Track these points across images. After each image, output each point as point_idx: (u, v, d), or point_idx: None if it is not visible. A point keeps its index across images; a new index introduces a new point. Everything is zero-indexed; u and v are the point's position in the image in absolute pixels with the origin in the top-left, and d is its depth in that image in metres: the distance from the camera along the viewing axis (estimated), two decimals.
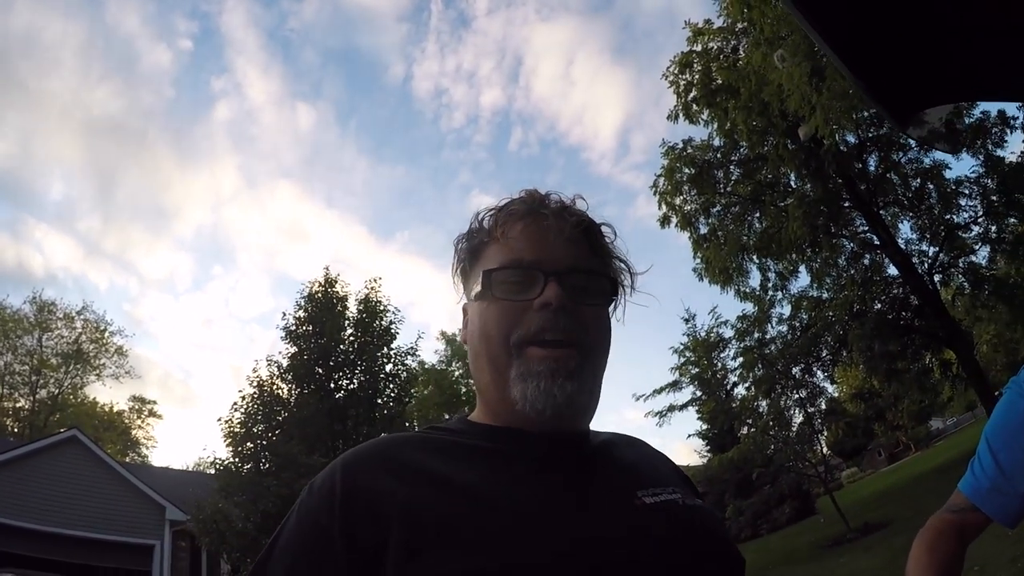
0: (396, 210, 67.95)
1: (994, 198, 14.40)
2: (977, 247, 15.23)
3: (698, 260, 15.25)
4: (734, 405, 15.08)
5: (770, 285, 15.62)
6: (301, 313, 13.87)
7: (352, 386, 13.83)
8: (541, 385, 0.75)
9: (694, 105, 14.29)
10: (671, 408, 14.62)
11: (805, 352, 15.07)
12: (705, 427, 20.60)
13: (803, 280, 16.28)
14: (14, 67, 45.14)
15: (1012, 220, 14.46)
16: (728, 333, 14.98)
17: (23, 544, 14.04)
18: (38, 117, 47.64)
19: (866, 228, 15.34)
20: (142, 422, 37.83)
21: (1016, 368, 1.34)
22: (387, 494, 0.68)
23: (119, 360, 33.49)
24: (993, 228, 14.86)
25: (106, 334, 33.34)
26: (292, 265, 57.28)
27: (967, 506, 1.24)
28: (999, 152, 14.26)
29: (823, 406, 16.65)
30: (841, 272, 15.92)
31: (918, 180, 15.34)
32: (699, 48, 14.39)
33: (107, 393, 52.19)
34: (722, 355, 15.06)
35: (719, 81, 13.76)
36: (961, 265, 15.56)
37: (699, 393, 14.97)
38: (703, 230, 15.32)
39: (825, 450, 18.93)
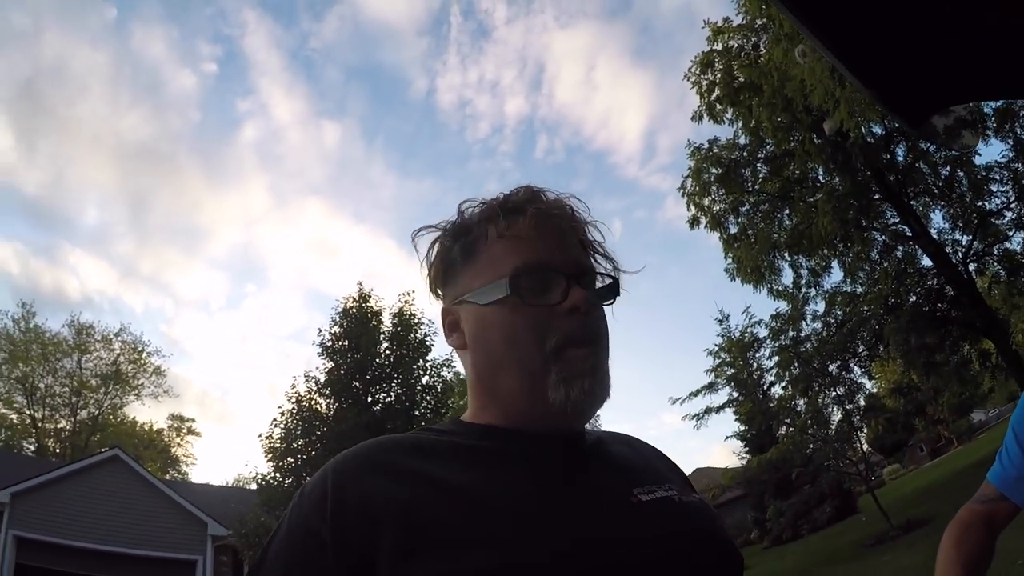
0: (425, 223, 68.12)
1: None
2: (1011, 233, 14.86)
3: (729, 260, 15.13)
4: (771, 405, 14.90)
5: (803, 282, 15.42)
6: (337, 329, 14.08)
7: (389, 399, 13.97)
8: (585, 384, 0.76)
9: (717, 104, 14.20)
10: (708, 410, 14.49)
11: (841, 349, 14.82)
12: (743, 428, 20.35)
13: (836, 276, 16.06)
14: (45, 96, 46.51)
15: None
16: (762, 332, 14.83)
17: (69, 562, 14.39)
18: (70, 144, 48.96)
19: (897, 220, 15.07)
20: (181, 440, 38.51)
21: None
22: (379, 497, 0.68)
23: (157, 380, 34.23)
24: None
25: (144, 355, 34.08)
26: (324, 281, 57.99)
27: (996, 496, 1.26)
28: None
29: (861, 403, 16.36)
30: (874, 266, 15.67)
31: (947, 168, 15.05)
32: (719, 47, 14.31)
33: (146, 412, 53.57)
34: (757, 355, 14.89)
35: (741, 79, 13.66)
36: (996, 253, 15.22)
37: (736, 394, 14.80)
38: (733, 230, 15.18)
39: (865, 447, 18.57)
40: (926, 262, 15.10)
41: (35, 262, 51.42)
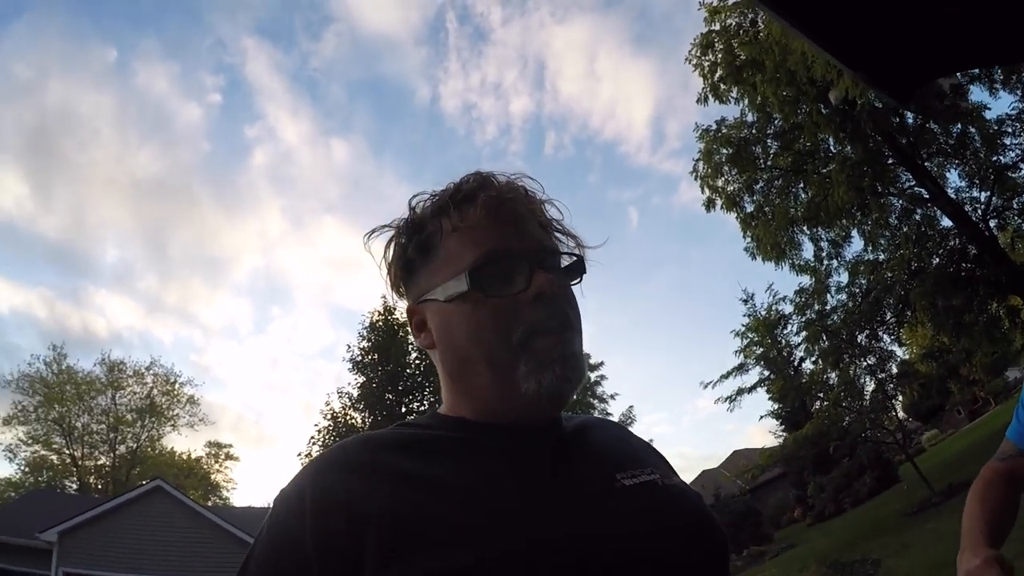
0: None
1: None
2: None
3: (748, 239, 14.97)
4: (803, 381, 14.83)
5: (824, 255, 15.23)
6: (365, 343, 14.20)
7: (422, 408, 14.06)
8: (557, 370, 0.74)
9: (722, 85, 14.09)
10: (740, 391, 14.50)
11: (868, 318, 14.68)
12: (777, 406, 20.26)
13: (857, 245, 15.88)
14: (56, 144, 47.48)
15: None
16: (788, 309, 14.76)
17: None
18: (85, 187, 49.95)
19: (913, 183, 14.85)
20: (220, 466, 39.04)
21: None
22: (358, 497, 0.66)
23: (192, 409, 34.78)
24: None
25: (176, 385, 34.65)
26: (347, 296, 58.38)
27: (1015, 452, 1.28)
28: None
29: (894, 370, 16.25)
30: (894, 231, 15.45)
31: (958, 125, 14.83)
32: (717, 27, 14.20)
33: (184, 442, 54.26)
34: (785, 332, 14.84)
35: (743, 57, 13.56)
36: (1015, 206, 14.94)
37: (767, 373, 14.78)
38: (749, 208, 15.02)
39: (901, 415, 18.37)
40: (946, 223, 14.86)
41: (61, 305, 52.52)
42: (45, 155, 48.33)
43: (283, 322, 65.99)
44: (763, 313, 14.72)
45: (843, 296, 15.28)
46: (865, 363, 14.71)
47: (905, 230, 15.35)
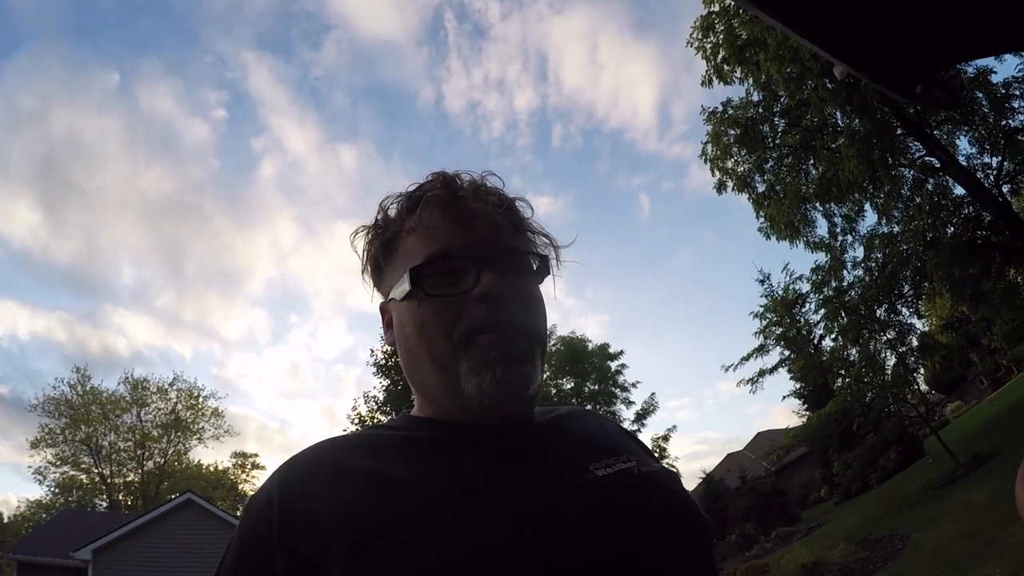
0: None
1: None
2: None
3: (762, 219, 14.90)
4: (823, 359, 14.71)
5: (838, 230, 15.12)
6: (388, 347, 14.23)
7: None
8: (497, 373, 0.73)
9: (725, 66, 13.99)
10: (761, 373, 14.39)
11: (886, 292, 14.54)
12: (799, 386, 20.10)
13: (870, 219, 15.80)
14: (65, 171, 48.23)
15: None
16: (805, 287, 14.66)
17: None
18: (97, 211, 50.68)
19: (923, 152, 14.72)
20: (247, 476, 39.59)
21: None
22: (326, 500, 0.66)
23: (216, 421, 35.26)
24: None
25: (200, 399, 35.11)
26: (364, 300, 58.35)
27: None
28: None
29: (914, 343, 16.10)
30: (907, 203, 15.30)
31: (965, 91, 14.64)
32: (717, 8, 14.12)
33: (210, 454, 55.29)
34: (803, 310, 14.73)
35: (744, 36, 13.45)
36: None
37: (787, 353, 14.66)
38: (761, 188, 14.94)
39: (924, 388, 18.21)
40: (959, 191, 14.67)
41: (81, 328, 53.37)
42: (55, 182, 49.07)
43: (301, 330, 66.77)
44: (780, 293, 14.61)
45: (860, 271, 15.16)
46: (885, 337, 14.57)
47: (918, 201, 15.19)
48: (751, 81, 14.15)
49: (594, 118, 65.39)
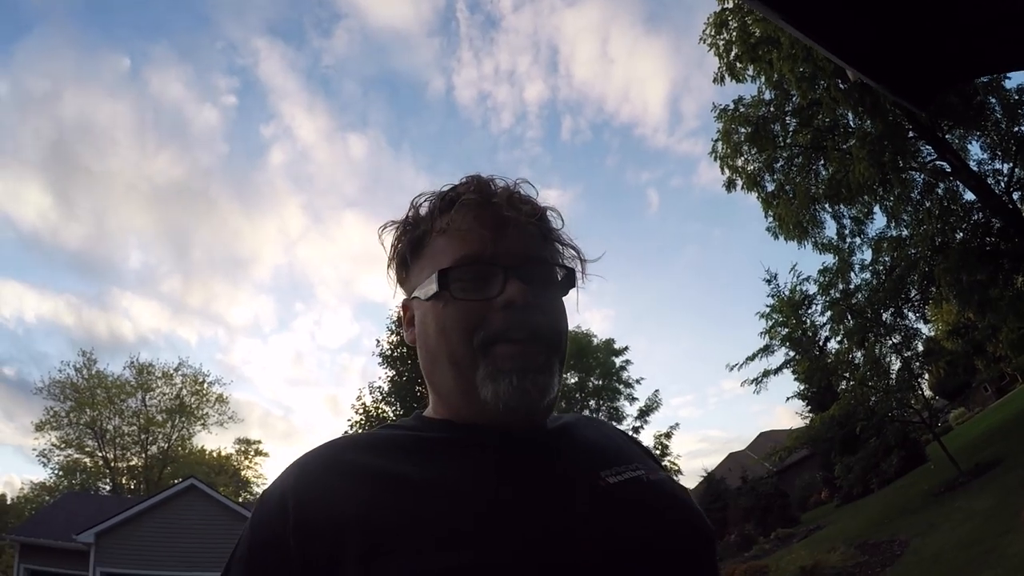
0: None
1: None
2: None
3: (770, 219, 14.86)
4: (828, 361, 14.68)
5: (847, 232, 15.08)
6: (394, 337, 14.32)
7: None
8: (513, 382, 0.73)
9: (737, 63, 13.91)
10: (766, 373, 14.40)
11: (893, 295, 14.51)
12: (803, 387, 20.10)
13: (879, 222, 15.69)
14: (75, 155, 48.39)
15: None
16: (812, 289, 14.62)
17: None
18: (106, 195, 50.83)
19: (934, 156, 14.63)
20: (250, 462, 39.81)
21: None
22: (341, 498, 0.67)
23: (220, 407, 35.43)
24: None
25: (205, 385, 35.27)
26: (370, 290, 58.81)
27: None
28: None
29: (920, 348, 16.05)
30: (916, 207, 15.23)
31: (978, 96, 14.55)
32: (731, 4, 14.03)
33: (213, 440, 55.53)
34: (809, 312, 14.71)
35: (758, 34, 13.37)
36: None
37: (792, 354, 14.65)
38: (770, 187, 14.89)
39: (928, 393, 18.15)
40: (969, 196, 14.61)
41: (88, 311, 53.68)
42: (65, 165, 49.27)
43: (307, 318, 66.99)
44: (787, 293, 14.59)
45: (867, 274, 15.12)
46: (890, 341, 14.54)
47: (928, 205, 15.11)
48: (763, 79, 14.08)
49: (604, 112, 65.17)
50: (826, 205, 14.75)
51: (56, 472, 33.64)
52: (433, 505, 0.66)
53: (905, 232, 15.31)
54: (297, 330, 66.94)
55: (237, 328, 61.83)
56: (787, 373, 14.98)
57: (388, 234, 0.88)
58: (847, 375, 14.65)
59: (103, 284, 56.99)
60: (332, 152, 59.03)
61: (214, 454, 38.30)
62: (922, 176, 15.06)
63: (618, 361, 23.96)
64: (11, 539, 17.64)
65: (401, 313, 0.90)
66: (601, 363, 23.71)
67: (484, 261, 0.78)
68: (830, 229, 15.06)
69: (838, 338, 14.61)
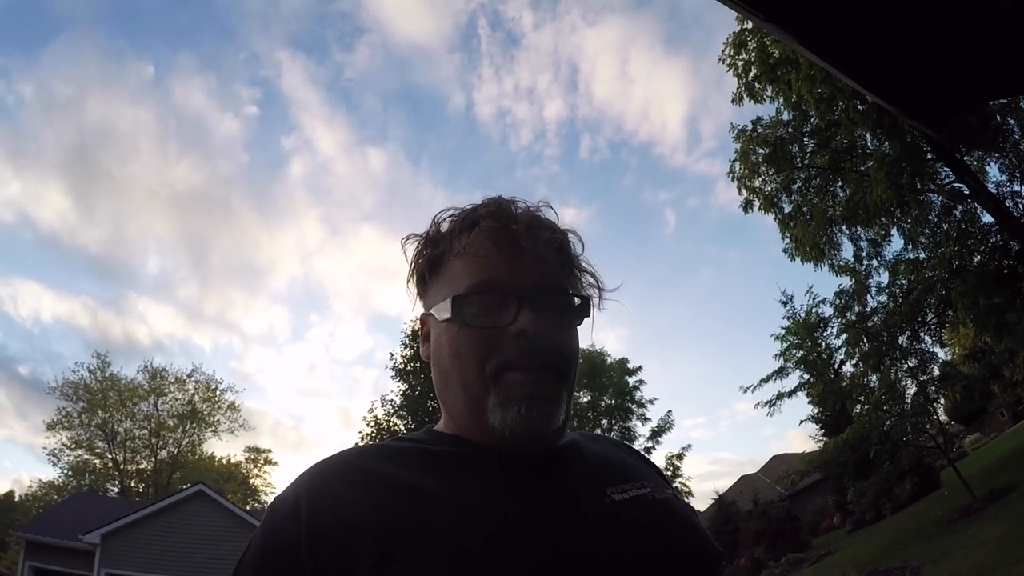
0: None
1: None
2: None
3: (787, 240, 14.71)
4: (843, 384, 14.54)
5: (863, 255, 14.92)
6: (408, 351, 14.39)
7: None
8: (522, 411, 0.74)
9: (756, 84, 13.91)
10: (780, 396, 14.31)
11: (909, 319, 14.35)
12: (817, 411, 19.92)
13: (897, 244, 15.58)
14: (97, 160, 49.07)
15: None
16: (828, 311, 14.50)
17: None
18: (126, 200, 51.35)
19: (953, 178, 14.52)
20: (259, 471, 39.86)
21: None
22: (353, 507, 0.67)
23: (232, 415, 35.58)
24: None
25: (217, 392, 35.39)
26: (386, 303, 58.89)
27: None
28: None
29: (935, 372, 15.86)
30: (934, 229, 15.10)
31: (997, 118, 14.43)
32: (750, 25, 14.04)
33: (224, 447, 55.74)
34: (825, 334, 14.58)
35: (776, 55, 13.38)
36: None
37: (806, 376, 14.53)
38: (787, 209, 14.77)
39: (943, 418, 17.94)
40: (987, 219, 14.46)
41: (104, 314, 54.15)
42: (86, 169, 49.94)
43: (321, 329, 67.06)
44: (803, 316, 14.48)
45: (884, 297, 14.98)
46: (906, 365, 14.38)
47: (945, 227, 14.97)
48: (782, 100, 14.06)
49: (622, 131, 65.09)
50: (843, 227, 14.65)
51: (65, 472, 33.89)
52: (443, 519, 0.66)
53: (922, 255, 15.17)
54: (311, 341, 67.16)
55: (252, 337, 62.17)
56: (801, 396, 14.86)
57: (410, 245, 0.88)
58: (862, 399, 14.50)
59: (120, 288, 57.57)
60: (351, 165, 59.42)
61: (224, 461, 38.33)
62: (940, 198, 14.93)
63: (631, 381, 23.86)
64: (18, 536, 17.75)
65: (419, 326, 0.91)
66: (614, 382, 23.62)
67: (498, 289, 0.78)
68: (847, 251, 14.98)
69: (853, 361, 14.49)
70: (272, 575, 0.67)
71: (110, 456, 33.43)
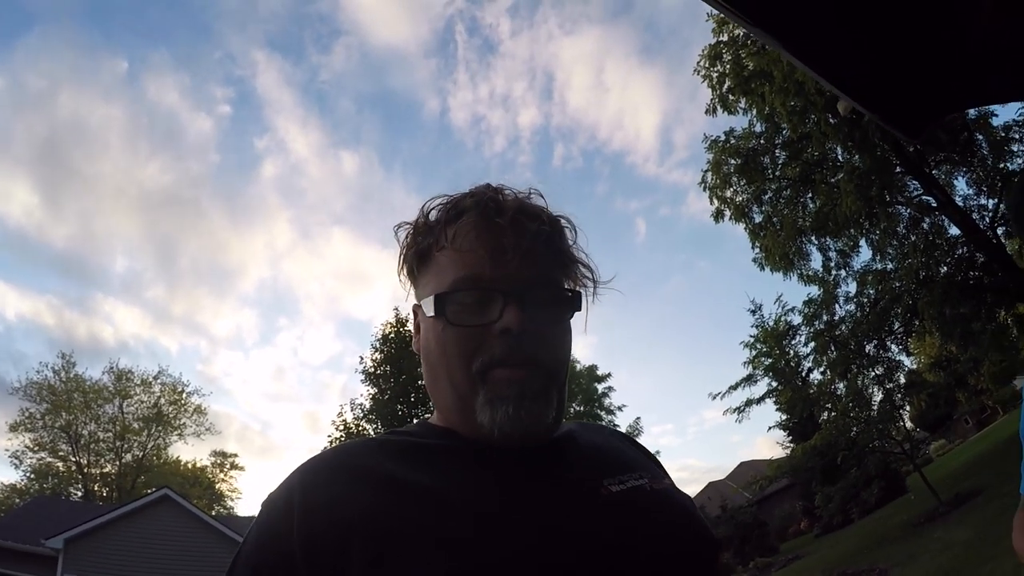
0: None
1: None
2: None
3: (757, 250, 14.97)
4: (811, 391, 14.79)
5: (832, 265, 15.25)
6: (377, 355, 14.30)
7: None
8: (509, 410, 0.73)
9: (730, 96, 14.11)
10: (748, 402, 14.51)
11: (876, 328, 14.64)
12: (785, 417, 20.25)
13: (865, 254, 15.89)
14: (67, 155, 47.95)
15: None
16: (796, 319, 14.75)
17: None
18: (95, 198, 50.34)
19: (921, 191, 14.86)
20: (225, 475, 39.15)
21: None
22: (346, 502, 0.67)
23: (198, 418, 34.94)
24: None
25: (183, 395, 34.74)
26: (355, 308, 58.51)
27: None
28: None
29: (902, 380, 16.20)
30: (902, 240, 15.44)
31: (965, 132, 14.77)
32: (725, 38, 14.24)
33: (189, 451, 54.66)
34: (793, 342, 14.82)
35: (751, 67, 13.57)
36: None
37: (775, 384, 14.76)
38: (758, 219, 15.02)
39: (909, 425, 18.35)
40: (954, 231, 14.82)
41: (69, 314, 52.77)
42: (55, 165, 48.76)
43: (290, 333, 66.34)
44: (771, 324, 14.71)
45: (851, 306, 15.27)
46: (873, 373, 14.67)
47: (913, 239, 15.31)
48: (755, 112, 14.26)
49: (596, 139, 65.69)
50: (812, 237, 14.92)
51: (28, 475, 32.99)
52: (435, 515, 0.65)
53: (890, 265, 15.49)
54: (279, 345, 66.25)
55: (219, 339, 61.04)
56: (769, 403, 15.08)
57: (402, 232, 0.86)
58: (829, 406, 14.74)
59: (86, 287, 56.14)
60: (324, 168, 58.89)
61: (189, 465, 37.57)
62: (908, 210, 15.27)
63: (600, 387, 24.02)
64: None
65: (412, 316, 0.89)
66: (583, 389, 23.77)
67: (482, 285, 0.76)
68: (816, 261, 15.26)
69: (821, 369, 14.74)
70: (266, 570, 0.66)
71: (74, 459, 32.65)
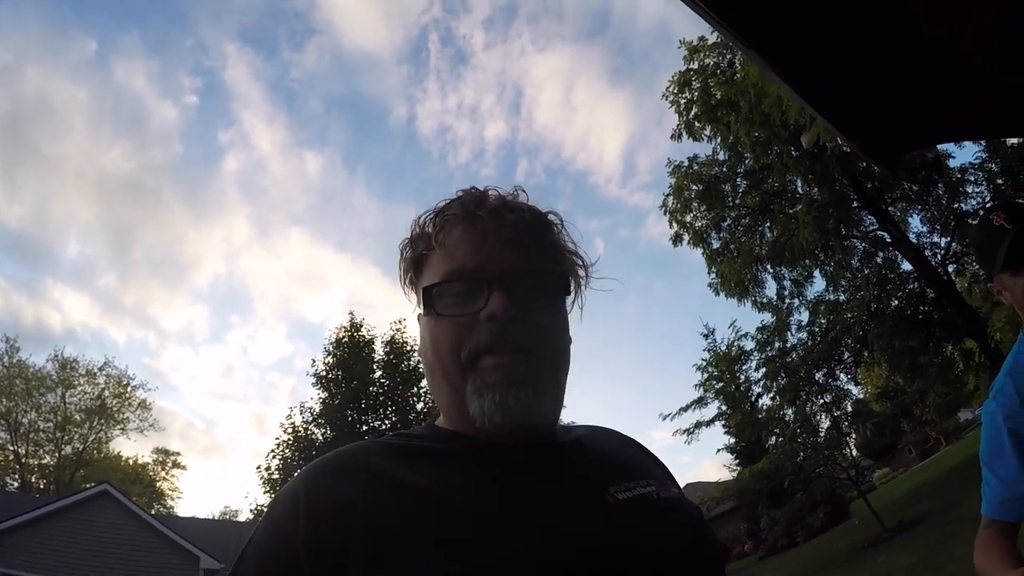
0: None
1: (1000, 181, 14.32)
2: None
3: (713, 275, 15.25)
4: (760, 416, 15.05)
5: (786, 293, 15.61)
6: (330, 359, 14.14)
7: (384, 427, 13.99)
8: (496, 398, 0.72)
9: (696, 122, 14.40)
10: (698, 424, 14.69)
11: (826, 357, 15.01)
12: (733, 441, 20.52)
13: (819, 285, 16.26)
14: (27, 133, 46.31)
15: (1020, 201, 14.35)
16: (749, 345, 15.00)
17: None
18: (53, 180, 48.66)
19: (876, 226, 15.32)
20: (166, 474, 38.02)
21: None
22: (350, 503, 0.67)
23: (142, 414, 33.78)
24: None
25: (128, 388, 33.65)
26: (309, 310, 57.63)
27: (990, 521, 1.42)
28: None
29: (849, 409, 16.58)
30: (856, 273, 15.87)
31: (923, 172, 15.28)
32: (696, 66, 14.54)
33: (131, 447, 52.84)
34: (744, 367, 15.08)
35: (719, 96, 13.87)
36: (974, 253, 15.33)
37: (725, 407, 14.98)
38: (716, 245, 15.33)
39: (854, 453, 18.78)
40: (906, 266, 15.33)
41: (17, 297, 50.71)
42: (14, 142, 46.97)
43: (241, 331, 65.20)
44: (724, 348, 14.96)
45: (803, 335, 15.63)
46: (821, 401, 15.01)
47: (866, 272, 15.76)
48: (719, 140, 14.56)
49: (560, 158, 66.44)
50: (768, 266, 15.24)
51: None
52: (437, 515, 0.66)
53: (843, 296, 15.92)
54: (230, 343, 65.00)
55: (169, 333, 59.25)
56: (719, 426, 15.29)
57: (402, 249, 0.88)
58: (777, 431, 15.02)
59: (36, 271, 54.12)
60: (287, 166, 58.04)
61: (130, 461, 36.25)
62: (863, 244, 15.71)
63: None
64: None
65: (418, 327, 0.89)
66: None
67: (468, 276, 0.77)
68: (770, 289, 15.59)
69: (771, 394, 15.01)
70: (271, 569, 0.66)
71: (12, 448, 31.40)
